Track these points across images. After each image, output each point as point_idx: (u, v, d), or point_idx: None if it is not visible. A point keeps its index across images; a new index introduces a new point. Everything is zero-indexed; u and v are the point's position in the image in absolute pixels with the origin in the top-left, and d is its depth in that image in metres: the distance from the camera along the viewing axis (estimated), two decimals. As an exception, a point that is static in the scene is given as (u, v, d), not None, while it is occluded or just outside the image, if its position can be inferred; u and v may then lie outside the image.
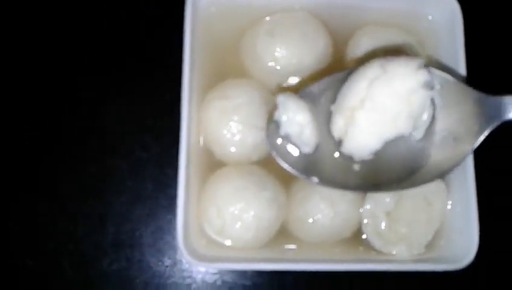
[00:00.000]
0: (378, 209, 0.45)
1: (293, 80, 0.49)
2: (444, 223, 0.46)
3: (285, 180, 0.47)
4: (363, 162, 0.40)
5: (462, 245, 0.45)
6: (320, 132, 0.40)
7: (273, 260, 0.44)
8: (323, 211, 0.45)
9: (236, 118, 0.46)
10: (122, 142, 0.52)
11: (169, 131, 0.49)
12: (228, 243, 0.45)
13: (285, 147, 0.41)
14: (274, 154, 0.41)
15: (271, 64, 0.48)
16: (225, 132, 0.46)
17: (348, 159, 0.40)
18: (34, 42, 0.54)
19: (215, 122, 0.46)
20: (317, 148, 0.40)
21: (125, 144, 0.52)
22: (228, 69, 0.50)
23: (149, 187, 0.52)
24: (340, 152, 0.40)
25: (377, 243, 0.45)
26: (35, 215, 0.51)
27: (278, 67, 0.48)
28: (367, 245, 0.46)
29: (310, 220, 0.45)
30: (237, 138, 0.46)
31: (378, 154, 0.39)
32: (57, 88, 0.53)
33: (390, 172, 0.40)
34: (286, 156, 0.41)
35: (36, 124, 0.52)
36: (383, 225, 0.45)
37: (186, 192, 0.44)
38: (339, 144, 0.40)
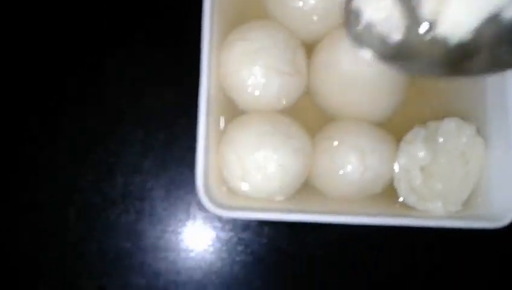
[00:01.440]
0: (412, 163, 0.42)
1: (321, 24, 0.45)
2: (482, 179, 0.43)
3: (311, 130, 0.44)
4: (458, 45, 0.35)
5: (502, 203, 0.41)
6: (409, 14, 0.36)
7: (296, 211, 0.41)
8: (353, 163, 0.41)
9: (258, 61, 0.42)
10: (132, 90, 0.49)
11: (183, 79, 0.46)
12: (249, 192, 0.41)
13: (370, 35, 0.37)
14: (357, 46, 0.37)
15: (298, 4, 0.44)
16: (246, 76, 0.42)
17: (441, 42, 0.36)
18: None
19: (236, 65, 0.43)
20: (406, 34, 0.36)
21: (135, 91, 0.49)
22: (250, 11, 0.46)
23: (161, 137, 0.48)
24: (432, 35, 0.36)
25: (411, 199, 0.42)
26: (37, 164, 0.48)
27: (305, 9, 0.44)
28: (400, 202, 0.43)
29: (338, 173, 0.42)
30: (259, 82, 0.42)
31: (473, 35, 0.34)
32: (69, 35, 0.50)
33: (482, 54, 0.35)
34: (373, 45, 0.37)
35: (42, 63, 0.49)
36: (417, 180, 0.42)
37: (206, 138, 0.40)
38: (431, 26, 0.35)
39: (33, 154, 0.48)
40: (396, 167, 0.43)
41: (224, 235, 0.47)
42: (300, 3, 0.44)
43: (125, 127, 0.48)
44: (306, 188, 0.43)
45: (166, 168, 0.48)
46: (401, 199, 0.43)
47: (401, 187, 0.42)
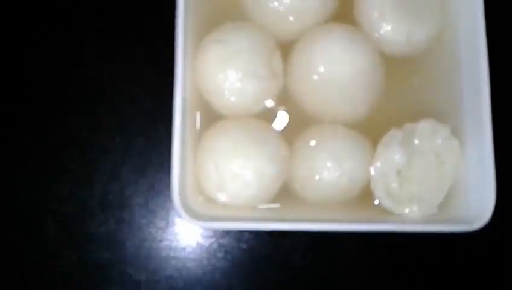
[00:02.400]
0: (389, 166, 0.42)
1: (297, 25, 0.45)
2: (458, 181, 0.43)
3: (288, 134, 0.44)
4: None
5: (477, 205, 0.42)
6: None
7: (274, 220, 0.41)
8: (330, 168, 0.41)
9: (234, 65, 0.42)
10: (110, 95, 0.48)
11: (160, 83, 0.46)
12: (227, 200, 0.41)
13: None
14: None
15: (273, 5, 0.44)
16: (223, 79, 0.42)
17: None
18: None
19: (212, 68, 0.42)
20: None
21: (112, 97, 0.48)
22: (226, 12, 0.46)
23: (139, 144, 0.48)
24: None
25: (387, 203, 0.42)
26: (14, 173, 0.47)
27: (281, 9, 0.44)
28: (376, 206, 0.43)
29: (316, 178, 0.42)
30: (236, 87, 0.42)
31: None
32: (47, 42, 0.49)
33: None
34: None
35: (18, 74, 0.48)
36: (394, 184, 0.42)
37: (181, 146, 0.40)
38: None
39: (11, 163, 0.47)
40: (373, 171, 0.43)
41: (204, 241, 0.47)
42: (276, 4, 0.44)
43: (103, 133, 0.48)
44: (285, 192, 0.43)
45: (144, 175, 0.48)
46: (377, 202, 0.43)
47: (378, 191, 0.42)
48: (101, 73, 0.49)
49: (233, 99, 0.42)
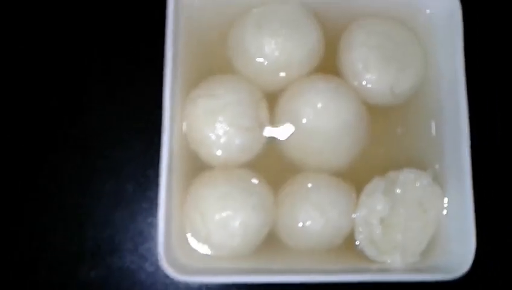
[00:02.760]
0: (372, 215, 0.43)
1: (283, 77, 0.46)
2: (439, 230, 0.44)
3: (273, 183, 0.45)
4: None
5: (458, 254, 0.43)
6: None
7: (260, 271, 0.42)
8: (314, 218, 0.43)
9: (223, 119, 0.43)
10: (102, 141, 0.50)
11: (152, 130, 0.46)
12: (213, 251, 0.43)
13: None
14: None
15: (259, 59, 0.45)
16: (211, 133, 0.43)
17: None
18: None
19: (201, 122, 0.44)
20: None
21: (104, 142, 0.49)
22: (215, 65, 0.47)
23: (129, 189, 0.49)
24: None
25: (370, 251, 0.43)
26: (8, 218, 0.48)
27: (266, 63, 0.45)
28: (360, 253, 0.44)
29: (300, 227, 0.43)
30: (224, 140, 0.43)
31: None
32: (38, 86, 0.50)
33: None
34: None
35: (10, 120, 0.50)
36: (377, 232, 0.43)
37: (168, 196, 0.41)
38: None
39: (4, 208, 0.48)
40: (357, 220, 0.44)
41: (193, 286, 0.47)
42: (262, 59, 0.45)
43: (95, 179, 0.49)
44: (271, 239, 0.44)
45: (134, 220, 0.48)
46: (360, 250, 0.44)
47: (362, 240, 0.43)
48: (95, 119, 0.50)
49: (220, 151, 0.44)
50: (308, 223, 0.43)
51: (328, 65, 0.47)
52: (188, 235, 0.43)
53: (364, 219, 0.43)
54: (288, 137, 0.45)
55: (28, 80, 0.51)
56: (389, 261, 0.43)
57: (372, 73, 0.45)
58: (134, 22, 0.51)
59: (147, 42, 0.49)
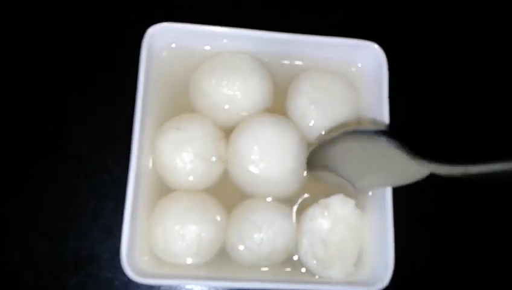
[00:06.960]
0: (315, 237, 0.50)
1: (238, 116, 0.53)
2: (363, 247, 0.52)
3: (228, 207, 0.52)
4: None
5: (378, 268, 0.49)
6: None
7: (208, 278, 0.49)
8: (251, 237, 0.49)
9: (188, 150, 0.50)
10: (86, 164, 0.57)
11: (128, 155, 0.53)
12: (171, 259, 0.50)
13: None
14: None
15: (218, 104, 0.52)
16: (178, 161, 0.50)
17: None
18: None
19: (169, 152, 0.51)
20: None
21: (87, 166, 0.57)
22: (182, 106, 0.55)
23: (109, 206, 0.56)
24: None
25: (315, 268, 0.50)
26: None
27: (227, 107, 0.53)
28: (299, 271, 0.51)
29: (241, 245, 0.50)
30: (188, 168, 0.50)
31: None
32: (23, 110, 0.58)
33: None
34: None
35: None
36: (320, 251, 0.50)
37: (133, 212, 0.48)
38: None
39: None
40: (302, 242, 0.51)
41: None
42: (227, 106, 0.52)
43: (78, 197, 0.56)
44: (222, 254, 0.52)
45: (113, 234, 0.56)
46: (304, 270, 0.51)
47: (307, 259, 0.50)
48: (80, 145, 0.57)
49: (185, 176, 0.51)
50: (246, 241, 0.49)
51: (278, 108, 0.55)
52: (151, 245, 0.50)
53: (309, 241, 0.50)
54: (238, 169, 0.51)
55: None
56: (330, 274, 0.50)
57: (311, 117, 0.53)
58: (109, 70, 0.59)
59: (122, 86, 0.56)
